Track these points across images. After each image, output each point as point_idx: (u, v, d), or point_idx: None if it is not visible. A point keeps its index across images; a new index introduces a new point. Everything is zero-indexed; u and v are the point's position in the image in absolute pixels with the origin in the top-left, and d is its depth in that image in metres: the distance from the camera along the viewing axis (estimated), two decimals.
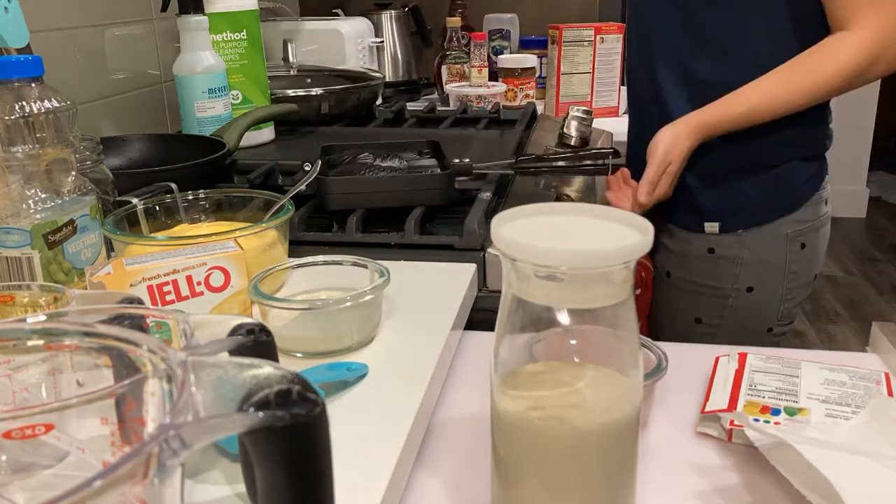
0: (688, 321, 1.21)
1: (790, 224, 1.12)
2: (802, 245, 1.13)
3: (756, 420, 0.60)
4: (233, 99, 1.28)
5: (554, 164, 1.00)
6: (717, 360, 0.70)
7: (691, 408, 0.65)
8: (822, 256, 1.18)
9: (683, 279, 1.20)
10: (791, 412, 0.61)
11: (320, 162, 0.89)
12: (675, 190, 1.12)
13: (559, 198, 1.05)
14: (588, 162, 0.99)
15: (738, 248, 1.13)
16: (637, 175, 1.11)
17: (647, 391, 0.63)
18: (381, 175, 1.00)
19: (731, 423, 0.60)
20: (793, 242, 1.12)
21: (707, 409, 0.63)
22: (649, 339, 0.66)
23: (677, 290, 1.21)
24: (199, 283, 0.63)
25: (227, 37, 1.26)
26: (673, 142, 1.05)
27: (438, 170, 1.01)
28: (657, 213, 1.16)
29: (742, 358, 0.69)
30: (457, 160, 0.98)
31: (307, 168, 0.88)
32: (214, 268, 0.64)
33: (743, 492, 0.55)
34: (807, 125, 1.07)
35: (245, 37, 1.28)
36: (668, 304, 1.24)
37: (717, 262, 1.15)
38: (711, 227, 1.14)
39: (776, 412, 0.61)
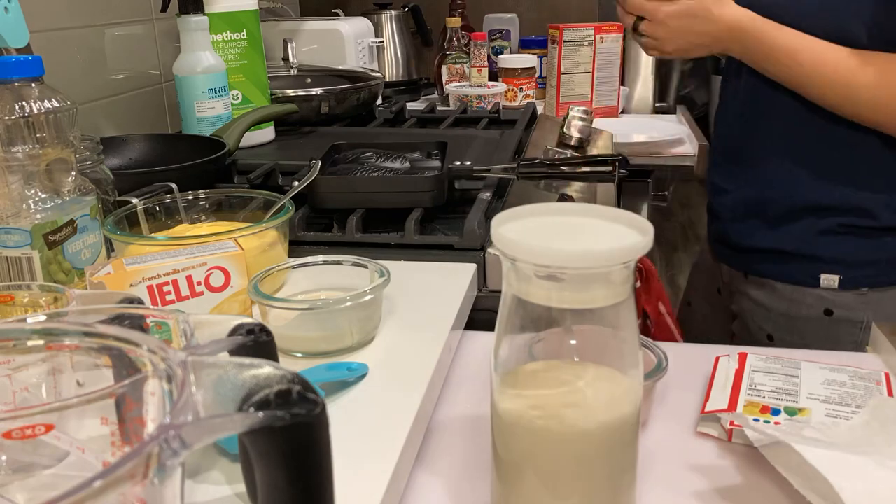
0: None
1: None
2: None
3: (756, 420, 0.60)
4: (233, 99, 1.28)
5: (558, 170, 0.98)
6: (717, 360, 0.70)
7: (691, 408, 0.65)
8: None
9: (792, 345, 1.01)
10: (791, 412, 0.61)
11: (319, 161, 0.89)
12: (786, 237, 1.00)
13: (560, 198, 1.04)
14: (594, 169, 0.97)
15: (862, 310, 0.97)
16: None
17: (646, 391, 0.63)
18: (373, 175, 1.00)
19: (731, 423, 0.60)
20: None
21: (707, 409, 0.62)
22: (649, 339, 0.66)
23: None
24: (199, 283, 0.63)
25: (227, 37, 1.26)
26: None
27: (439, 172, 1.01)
28: (757, 268, 1.05)
29: (742, 358, 0.69)
30: (457, 162, 0.98)
31: (318, 164, 0.88)
32: (214, 268, 0.64)
33: (743, 492, 0.55)
34: None
35: (245, 37, 1.28)
36: None
37: (836, 325, 0.99)
38: (829, 280, 0.98)
39: (776, 412, 0.61)
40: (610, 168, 0.95)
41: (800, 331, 1.01)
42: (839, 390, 0.63)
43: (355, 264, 0.70)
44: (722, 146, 1.12)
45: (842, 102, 0.92)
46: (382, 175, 1.01)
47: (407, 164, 1.05)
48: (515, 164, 0.98)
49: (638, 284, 1.34)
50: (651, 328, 1.36)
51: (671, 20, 0.97)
